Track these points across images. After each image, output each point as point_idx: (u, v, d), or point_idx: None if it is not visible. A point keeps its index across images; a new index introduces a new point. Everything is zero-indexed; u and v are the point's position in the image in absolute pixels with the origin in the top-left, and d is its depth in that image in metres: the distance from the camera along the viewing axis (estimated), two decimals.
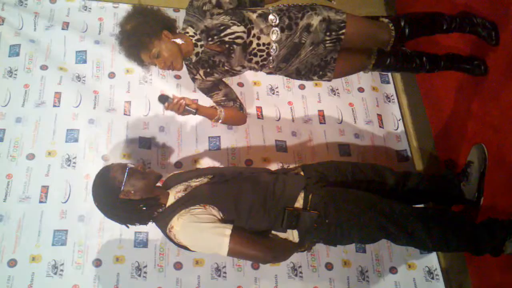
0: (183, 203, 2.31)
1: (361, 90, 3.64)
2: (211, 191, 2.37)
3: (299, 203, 2.39)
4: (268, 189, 2.39)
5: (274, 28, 2.47)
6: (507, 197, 2.63)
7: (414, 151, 3.53)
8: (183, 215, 2.25)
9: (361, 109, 3.58)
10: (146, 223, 2.44)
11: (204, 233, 2.22)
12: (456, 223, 2.46)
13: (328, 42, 2.52)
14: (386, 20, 2.62)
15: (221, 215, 2.31)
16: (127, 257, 2.87)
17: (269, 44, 2.49)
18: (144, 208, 2.34)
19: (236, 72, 2.61)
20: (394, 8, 3.89)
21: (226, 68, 2.55)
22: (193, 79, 2.66)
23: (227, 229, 2.22)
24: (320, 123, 3.48)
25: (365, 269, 3.01)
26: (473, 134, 2.94)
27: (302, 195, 2.41)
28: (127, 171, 2.32)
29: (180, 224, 2.24)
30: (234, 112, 2.67)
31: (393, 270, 3.04)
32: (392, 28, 2.58)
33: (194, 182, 2.45)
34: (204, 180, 2.46)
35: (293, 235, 2.40)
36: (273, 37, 2.48)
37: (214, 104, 2.65)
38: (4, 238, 2.86)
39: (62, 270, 2.80)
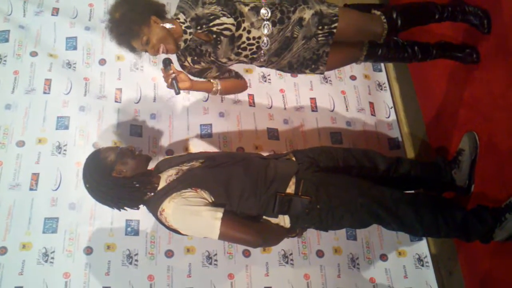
0: (174, 186, 2.31)
1: (353, 78, 3.63)
2: (202, 175, 2.37)
3: (290, 189, 2.39)
4: (259, 174, 2.40)
5: (265, 22, 2.45)
6: (497, 185, 2.65)
7: (406, 139, 3.53)
8: (174, 198, 2.25)
9: (353, 97, 3.57)
10: (137, 206, 2.43)
11: (195, 215, 2.22)
12: (446, 209, 2.48)
13: (320, 35, 2.51)
14: (378, 13, 2.60)
15: (212, 199, 2.31)
16: (118, 245, 2.87)
17: (259, 38, 2.47)
18: (138, 185, 2.33)
19: (222, 64, 2.59)
20: None
21: (212, 58, 2.54)
22: (182, 66, 2.64)
23: (219, 212, 2.22)
24: (312, 110, 3.48)
25: (356, 256, 3.03)
26: (464, 122, 2.94)
27: (293, 180, 2.41)
28: (118, 150, 2.36)
29: (171, 207, 2.24)
30: (232, 81, 2.67)
31: (383, 257, 3.06)
32: (385, 20, 2.57)
33: (185, 166, 2.44)
34: (195, 164, 2.45)
35: (284, 221, 2.42)
36: (264, 31, 2.45)
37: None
38: None
39: (53, 258, 2.80)
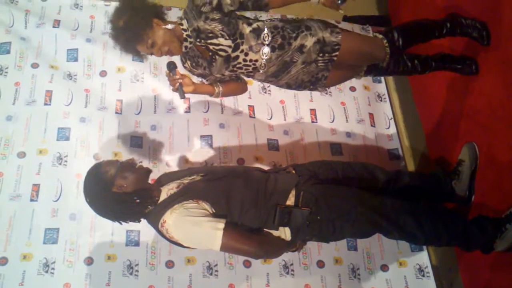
0: (175, 198, 2.30)
1: (352, 89, 3.65)
2: (203, 187, 2.37)
3: (290, 201, 2.39)
4: (259, 187, 2.40)
5: (265, 47, 2.45)
6: (497, 195, 2.65)
7: (406, 150, 3.55)
8: (176, 209, 2.25)
9: (353, 108, 3.59)
10: (138, 219, 2.42)
11: (197, 227, 2.22)
12: (447, 218, 2.48)
13: (320, 62, 2.52)
14: (380, 36, 2.61)
15: (213, 210, 2.31)
16: (118, 255, 2.87)
17: (256, 61, 2.47)
18: (138, 201, 2.33)
19: (216, 78, 2.60)
20: (386, 8, 3.90)
21: (206, 71, 2.57)
22: (184, 66, 2.66)
23: (221, 223, 2.22)
24: (312, 122, 3.49)
25: (357, 267, 3.03)
26: (464, 133, 2.95)
27: (293, 192, 2.41)
28: (118, 164, 2.34)
29: (172, 218, 2.23)
30: (232, 84, 2.68)
31: (384, 267, 3.06)
32: (387, 45, 2.58)
33: (186, 180, 2.45)
34: (196, 178, 2.46)
35: (285, 233, 2.41)
36: (263, 56, 2.46)
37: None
38: None
39: (53, 269, 2.79)
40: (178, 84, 2.37)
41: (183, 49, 2.45)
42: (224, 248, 2.24)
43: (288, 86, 2.68)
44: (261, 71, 2.52)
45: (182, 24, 2.42)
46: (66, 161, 3.07)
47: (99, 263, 2.84)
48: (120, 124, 3.24)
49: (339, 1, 2.39)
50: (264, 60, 2.47)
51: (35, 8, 3.55)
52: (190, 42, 2.43)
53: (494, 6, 2.66)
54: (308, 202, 2.38)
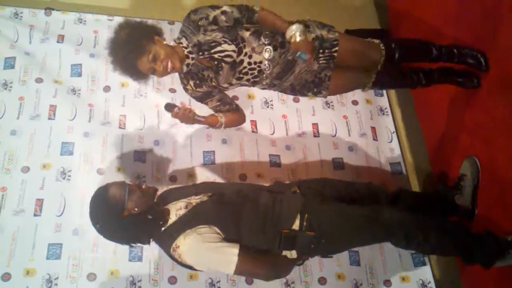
0: (187, 222, 2.30)
1: (355, 103, 3.65)
2: (213, 211, 2.36)
3: (295, 225, 2.38)
4: (267, 211, 2.39)
5: (267, 47, 2.50)
6: (500, 210, 2.65)
7: (408, 163, 3.55)
8: (189, 234, 2.25)
9: (355, 122, 3.59)
10: (149, 241, 2.42)
11: (212, 252, 2.23)
12: (452, 229, 2.49)
13: (321, 59, 2.55)
14: (377, 41, 2.66)
15: (224, 236, 2.30)
16: (121, 271, 2.87)
17: (260, 62, 2.52)
18: (151, 218, 2.31)
19: (224, 89, 2.64)
20: (387, 23, 3.92)
21: (213, 83, 2.59)
22: (185, 89, 2.68)
23: (235, 249, 2.23)
24: (314, 136, 3.50)
25: (359, 282, 3.02)
26: (466, 147, 2.96)
27: (298, 216, 2.40)
28: (126, 188, 2.31)
29: (186, 244, 2.23)
30: (233, 115, 2.72)
31: (387, 283, 3.05)
32: (383, 48, 2.63)
33: (194, 200, 2.44)
34: (204, 198, 2.45)
35: (291, 253, 2.41)
36: (266, 55, 2.50)
37: (211, 112, 2.70)
38: None
39: (56, 284, 2.80)
40: (192, 113, 2.44)
41: (185, 68, 2.47)
42: (238, 272, 2.26)
43: (293, 89, 2.71)
44: (266, 73, 2.55)
45: (181, 43, 2.44)
46: (69, 176, 3.08)
47: (102, 278, 2.84)
48: (124, 139, 3.25)
49: (299, 53, 2.39)
50: (268, 61, 2.51)
51: (39, 23, 3.58)
52: (192, 59, 2.46)
53: (489, 33, 2.69)
54: (313, 225, 2.37)
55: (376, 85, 2.87)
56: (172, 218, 2.35)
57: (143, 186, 2.40)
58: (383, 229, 2.42)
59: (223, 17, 2.41)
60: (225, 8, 2.43)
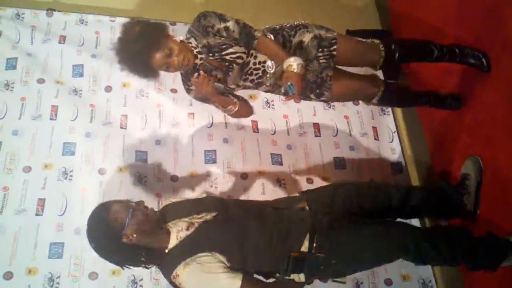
0: (188, 249, 2.17)
1: (356, 103, 3.65)
2: (216, 235, 2.24)
3: (304, 246, 2.29)
4: (274, 230, 2.29)
5: None
6: (503, 210, 2.64)
7: (409, 163, 3.55)
8: (189, 263, 2.11)
9: (356, 121, 3.60)
10: (147, 268, 2.32)
11: (213, 283, 2.12)
12: (458, 237, 2.45)
13: (321, 58, 2.56)
14: (377, 41, 2.67)
15: (227, 261, 2.18)
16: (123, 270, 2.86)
17: (264, 62, 2.53)
18: (144, 255, 2.18)
19: (230, 90, 2.64)
20: (389, 23, 3.93)
21: (220, 84, 2.58)
22: (188, 90, 2.65)
23: (237, 280, 2.11)
24: (315, 136, 3.51)
25: (360, 281, 3.03)
26: (467, 146, 2.95)
27: (307, 236, 2.31)
28: (130, 212, 2.14)
29: (186, 273, 2.11)
30: (245, 104, 2.71)
31: (388, 282, 3.05)
32: (382, 49, 2.63)
33: (196, 220, 2.29)
34: (207, 217, 2.31)
35: (299, 276, 2.32)
36: None
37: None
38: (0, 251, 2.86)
39: (58, 283, 2.81)
40: (212, 80, 2.43)
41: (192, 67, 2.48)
42: None
43: None
44: (269, 72, 2.56)
45: (190, 43, 2.46)
46: (71, 176, 3.09)
47: (103, 277, 2.85)
48: (125, 139, 3.26)
49: (289, 83, 2.37)
50: (271, 60, 2.53)
51: (41, 24, 3.60)
52: (201, 59, 2.46)
53: (490, 32, 2.69)
54: (323, 246, 2.29)
55: (382, 102, 2.85)
56: (173, 241, 2.20)
57: (148, 211, 2.22)
58: (395, 246, 2.37)
59: (224, 34, 2.43)
60: (229, 24, 2.43)
